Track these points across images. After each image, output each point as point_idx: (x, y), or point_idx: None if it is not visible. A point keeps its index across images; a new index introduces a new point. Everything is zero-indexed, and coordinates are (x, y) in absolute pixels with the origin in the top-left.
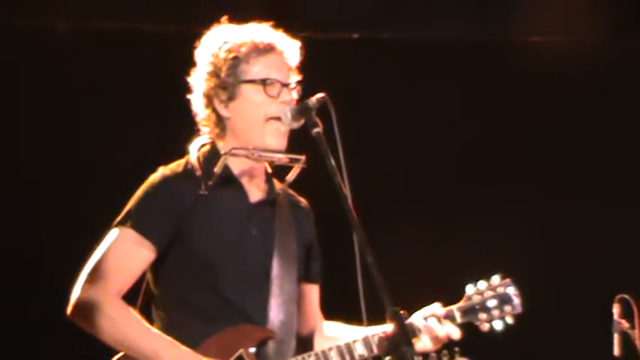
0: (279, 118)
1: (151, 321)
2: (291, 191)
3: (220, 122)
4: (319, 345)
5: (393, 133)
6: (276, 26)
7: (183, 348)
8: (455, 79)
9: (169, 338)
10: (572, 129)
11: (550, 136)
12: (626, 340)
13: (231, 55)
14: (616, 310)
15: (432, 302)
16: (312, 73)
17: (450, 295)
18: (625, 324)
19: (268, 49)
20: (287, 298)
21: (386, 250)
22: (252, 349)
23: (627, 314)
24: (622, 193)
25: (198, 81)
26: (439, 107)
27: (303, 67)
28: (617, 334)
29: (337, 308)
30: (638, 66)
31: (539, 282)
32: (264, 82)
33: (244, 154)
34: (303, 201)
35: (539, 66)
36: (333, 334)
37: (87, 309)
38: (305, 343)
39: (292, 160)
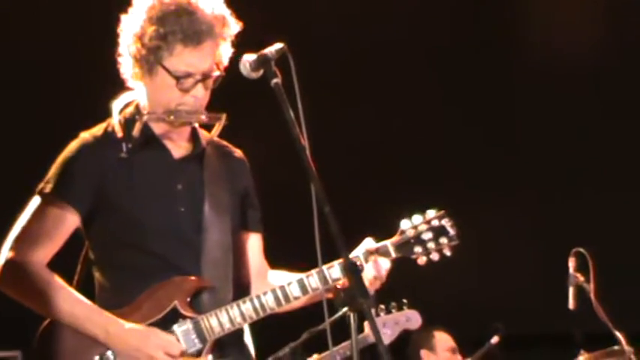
0: (186, 106)
1: (92, 285)
2: (224, 143)
3: (138, 78)
4: (260, 291)
5: (355, 83)
6: None
7: (105, 314)
8: (420, 28)
9: (92, 304)
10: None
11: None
12: (581, 294)
13: (156, 42)
14: (571, 263)
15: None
16: (270, 23)
17: None
18: (580, 277)
19: (197, 39)
20: (220, 248)
21: (344, 202)
22: (187, 299)
23: (582, 268)
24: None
25: (127, 31)
26: (405, 55)
27: (263, 18)
28: (572, 287)
29: (294, 258)
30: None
31: (497, 236)
32: (177, 79)
33: (161, 118)
34: (237, 151)
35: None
36: (277, 282)
37: (12, 276)
38: (247, 291)
39: (212, 119)
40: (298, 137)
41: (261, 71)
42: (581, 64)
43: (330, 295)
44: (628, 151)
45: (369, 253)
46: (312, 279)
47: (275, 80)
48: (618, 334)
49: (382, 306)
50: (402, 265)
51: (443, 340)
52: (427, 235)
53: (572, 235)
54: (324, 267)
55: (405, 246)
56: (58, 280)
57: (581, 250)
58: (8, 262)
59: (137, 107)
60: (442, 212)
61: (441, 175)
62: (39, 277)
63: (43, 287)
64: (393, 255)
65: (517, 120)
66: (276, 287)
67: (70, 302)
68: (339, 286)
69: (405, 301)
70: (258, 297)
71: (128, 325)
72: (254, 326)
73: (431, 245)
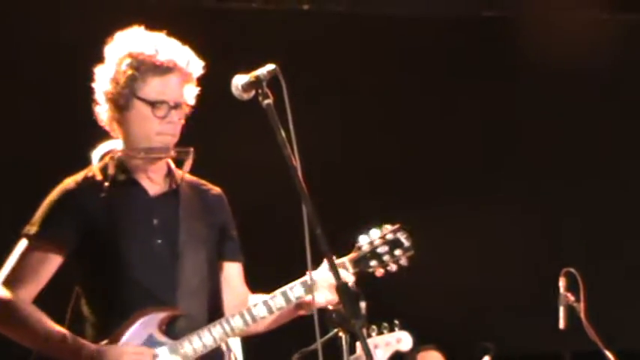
0: (165, 134)
1: (83, 320)
2: (202, 181)
3: (115, 121)
4: None
5: (342, 105)
6: None
7: (78, 341)
8: (410, 56)
9: (65, 333)
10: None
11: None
12: (572, 313)
13: (130, 72)
14: (562, 283)
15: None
16: (263, 44)
17: None
18: (570, 297)
19: (166, 69)
20: (195, 277)
21: (335, 222)
22: (163, 328)
23: (573, 287)
24: (578, 171)
25: (102, 78)
26: (387, 80)
27: (254, 38)
28: (562, 307)
29: (283, 278)
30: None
31: (487, 255)
32: (153, 105)
33: (132, 155)
34: (214, 188)
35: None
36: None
37: (2, 314)
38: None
39: (180, 154)
40: (290, 157)
41: (253, 92)
42: (580, 69)
43: (302, 312)
44: (620, 170)
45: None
46: (277, 299)
47: (267, 101)
48: (608, 354)
49: (374, 327)
50: (392, 285)
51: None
52: (383, 249)
53: (563, 255)
54: (287, 287)
55: (361, 261)
56: (37, 314)
57: (572, 270)
58: None
59: (114, 153)
60: (397, 226)
61: (433, 191)
62: (23, 312)
63: (24, 322)
64: (351, 270)
65: (510, 136)
66: (244, 309)
67: (45, 332)
68: (331, 307)
69: (396, 322)
70: (227, 320)
71: (97, 346)
72: (247, 347)
73: (386, 258)
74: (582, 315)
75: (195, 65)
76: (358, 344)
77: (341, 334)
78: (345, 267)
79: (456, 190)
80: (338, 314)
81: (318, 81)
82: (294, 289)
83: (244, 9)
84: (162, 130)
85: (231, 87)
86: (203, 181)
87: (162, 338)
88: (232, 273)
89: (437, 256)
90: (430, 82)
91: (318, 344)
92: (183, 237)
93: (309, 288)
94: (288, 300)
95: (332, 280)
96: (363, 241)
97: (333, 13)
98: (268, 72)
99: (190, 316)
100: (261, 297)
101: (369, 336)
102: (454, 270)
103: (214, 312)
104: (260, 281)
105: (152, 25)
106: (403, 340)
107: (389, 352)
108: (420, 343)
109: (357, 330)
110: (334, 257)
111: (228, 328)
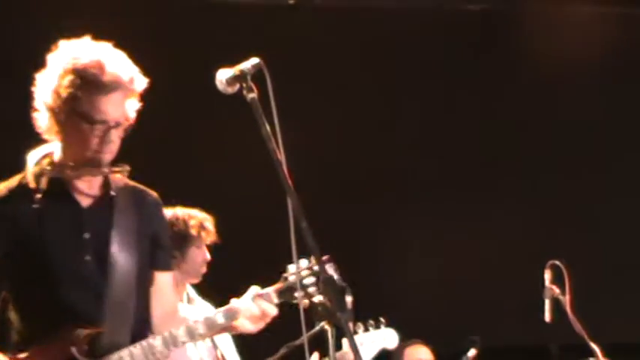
0: (103, 152)
1: (10, 325)
2: (139, 187)
3: (52, 131)
4: (168, 328)
5: (326, 100)
6: None
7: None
8: (405, 49)
9: None
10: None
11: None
12: (557, 306)
13: (72, 89)
14: (547, 276)
15: None
16: (247, 39)
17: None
18: (556, 290)
19: (110, 89)
20: (122, 293)
21: (322, 216)
22: (84, 347)
23: (558, 280)
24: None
25: (43, 87)
26: (372, 74)
27: (239, 32)
28: (548, 299)
29: (270, 271)
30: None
31: (473, 248)
32: (92, 123)
33: (65, 172)
34: (151, 194)
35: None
36: (185, 316)
37: None
38: (150, 329)
39: (115, 172)
40: (274, 152)
41: (237, 86)
42: (578, 63)
43: (225, 332)
44: (615, 166)
45: (256, 297)
46: (199, 325)
47: (251, 95)
48: (594, 346)
49: (360, 324)
50: (380, 281)
51: (411, 355)
52: (309, 280)
53: (548, 248)
54: (210, 314)
55: (287, 292)
56: None
57: (557, 262)
58: None
59: (52, 159)
60: (326, 257)
61: (427, 186)
62: None
63: None
64: (276, 301)
65: (496, 132)
66: (167, 334)
67: None
68: (316, 301)
69: (382, 319)
70: (147, 341)
71: None
72: (233, 341)
73: (312, 289)
74: (568, 308)
75: (139, 81)
76: (344, 341)
77: (327, 327)
78: (269, 298)
79: (449, 185)
80: (324, 307)
81: (305, 76)
82: (217, 317)
83: (229, 2)
84: (99, 148)
85: (215, 81)
86: (141, 187)
87: (82, 357)
88: (163, 282)
89: (425, 250)
90: (426, 77)
91: (304, 338)
92: (115, 249)
93: (231, 316)
94: (210, 327)
95: (253, 309)
96: (290, 270)
97: (319, 7)
98: (253, 66)
99: (115, 333)
100: (189, 308)
101: (355, 333)
102: (442, 263)
103: (141, 327)
104: (246, 276)
105: (134, 19)
106: (389, 338)
107: (375, 350)
108: (407, 337)
109: (342, 323)
110: (259, 287)
111: (148, 350)
